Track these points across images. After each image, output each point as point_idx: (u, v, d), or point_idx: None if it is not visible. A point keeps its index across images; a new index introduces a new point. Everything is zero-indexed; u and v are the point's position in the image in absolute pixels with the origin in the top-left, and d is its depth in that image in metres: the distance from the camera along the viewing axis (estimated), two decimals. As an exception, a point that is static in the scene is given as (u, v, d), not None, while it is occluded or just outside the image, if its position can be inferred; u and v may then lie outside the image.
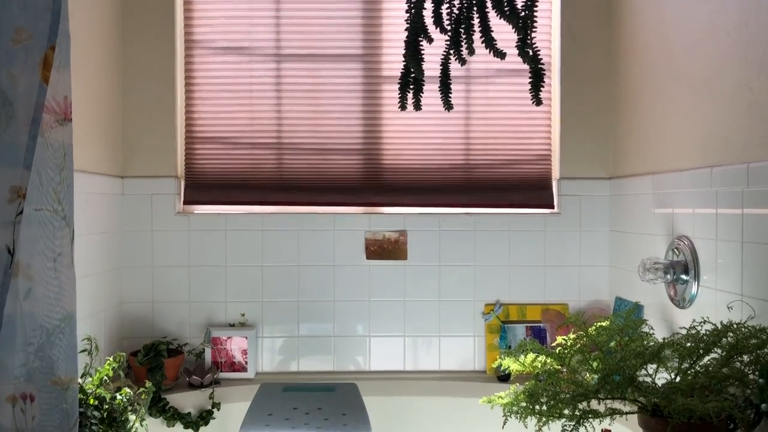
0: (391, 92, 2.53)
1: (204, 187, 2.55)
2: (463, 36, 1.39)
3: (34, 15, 1.33)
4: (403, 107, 1.45)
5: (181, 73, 2.54)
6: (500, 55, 1.40)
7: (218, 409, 2.28)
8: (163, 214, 2.51)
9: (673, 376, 1.47)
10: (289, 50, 2.55)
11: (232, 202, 2.54)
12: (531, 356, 1.67)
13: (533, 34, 1.38)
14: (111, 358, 1.93)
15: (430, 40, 1.40)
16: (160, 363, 2.27)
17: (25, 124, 1.31)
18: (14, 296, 1.29)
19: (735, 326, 1.44)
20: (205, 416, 2.26)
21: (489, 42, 1.38)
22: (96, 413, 1.70)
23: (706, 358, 1.46)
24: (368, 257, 2.52)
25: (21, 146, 1.30)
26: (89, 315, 2.18)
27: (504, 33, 1.45)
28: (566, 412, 1.46)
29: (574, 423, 1.44)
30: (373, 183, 2.56)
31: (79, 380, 1.74)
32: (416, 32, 1.38)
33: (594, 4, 2.52)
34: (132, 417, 1.82)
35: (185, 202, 2.55)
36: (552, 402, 1.47)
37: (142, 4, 2.49)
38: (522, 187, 2.56)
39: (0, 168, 1.29)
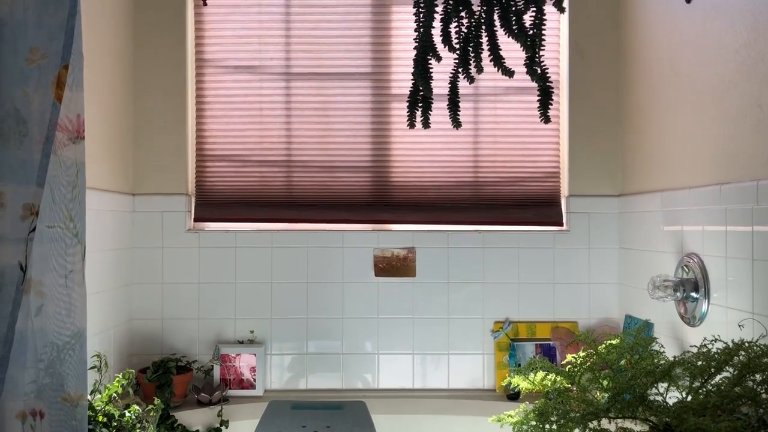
0: (399, 110, 2.55)
1: (214, 204, 2.56)
2: (472, 54, 1.40)
3: (48, 35, 1.35)
4: (411, 125, 1.46)
5: (192, 91, 2.57)
6: (508, 73, 1.41)
7: (226, 427, 2.27)
8: (174, 231, 2.52)
9: (684, 395, 1.46)
10: (299, 69, 2.57)
11: (242, 219, 2.55)
12: (541, 374, 1.66)
13: (541, 52, 1.39)
14: (120, 375, 1.93)
15: (439, 59, 1.41)
16: (169, 380, 2.27)
17: (38, 142, 1.33)
18: (26, 313, 1.30)
19: (747, 345, 1.42)
20: (214, 434, 2.26)
21: (497, 60, 1.39)
22: (105, 430, 1.70)
23: (718, 377, 1.44)
24: (377, 274, 2.52)
25: (34, 164, 1.32)
26: (99, 331, 2.18)
27: (512, 51, 1.46)
28: (576, 431, 1.45)
29: (584, 442, 1.43)
30: (382, 200, 2.56)
31: (89, 397, 1.75)
32: (425, 51, 1.39)
33: (602, 21, 2.53)
34: (140, 434, 1.82)
35: (195, 220, 2.56)
36: (562, 421, 1.46)
37: (154, 23, 2.52)
38: (531, 205, 2.56)
39: (13, 185, 1.31)
